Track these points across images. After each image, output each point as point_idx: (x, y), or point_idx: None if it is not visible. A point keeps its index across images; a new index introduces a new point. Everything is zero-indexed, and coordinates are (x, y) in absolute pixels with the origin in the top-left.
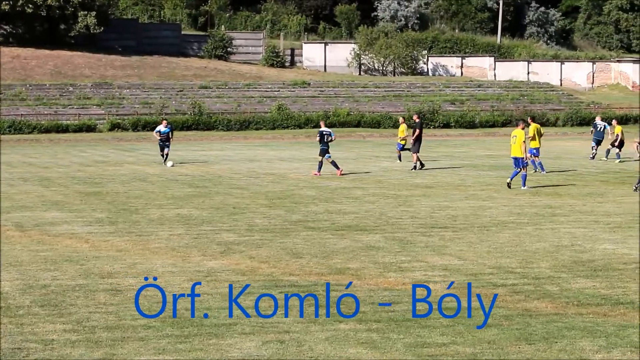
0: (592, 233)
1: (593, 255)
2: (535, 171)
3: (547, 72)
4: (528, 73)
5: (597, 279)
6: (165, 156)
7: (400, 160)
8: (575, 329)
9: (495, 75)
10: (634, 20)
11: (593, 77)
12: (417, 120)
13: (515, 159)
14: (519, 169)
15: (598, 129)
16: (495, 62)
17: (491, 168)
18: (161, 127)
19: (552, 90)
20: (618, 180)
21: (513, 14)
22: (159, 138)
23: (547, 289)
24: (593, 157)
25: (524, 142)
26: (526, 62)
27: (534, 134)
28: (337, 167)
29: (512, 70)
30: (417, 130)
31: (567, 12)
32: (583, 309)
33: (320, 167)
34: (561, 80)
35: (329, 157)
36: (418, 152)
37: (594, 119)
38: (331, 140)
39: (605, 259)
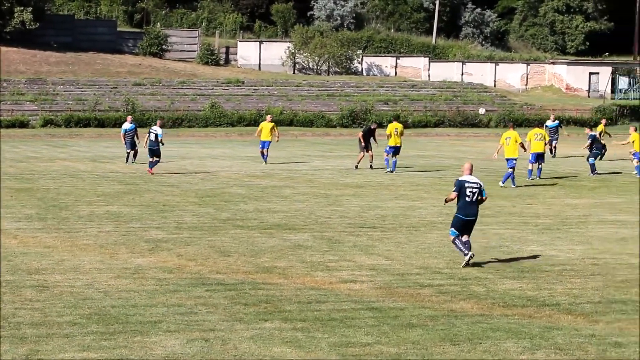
0: (520, 234)
1: (520, 256)
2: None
3: (481, 73)
4: (462, 74)
5: (524, 281)
6: (133, 155)
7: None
8: (500, 330)
9: (429, 75)
10: (569, 22)
11: (527, 78)
12: (372, 125)
13: (509, 159)
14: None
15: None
16: (429, 62)
17: (422, 168)
18: (127, 125)
19: (486, 92)
20: (548, 182)
21: (449, 14)
22: (126, 136)
23: (473, 290)
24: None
25: (519, 142)
26: (461, 63)
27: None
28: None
29: (447, 71)
30: (362, 133)
31: (503, 14)
32: (508, 310)
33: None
34: (495, 82)
35: None
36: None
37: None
38: None
39: (533, 261)
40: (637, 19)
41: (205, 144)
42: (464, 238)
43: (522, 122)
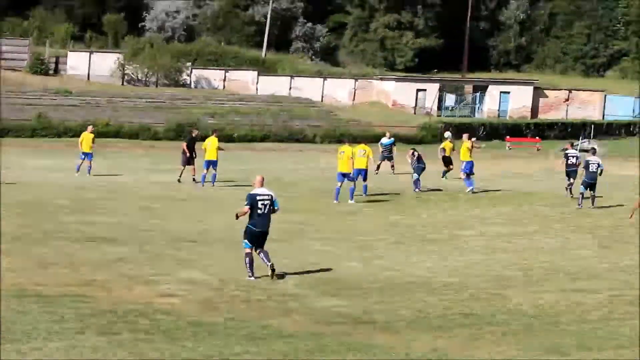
0: (340, 251)
1: (339, 273)
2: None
3: (310, 88)
4: (290, 88)
5: (342, 298)
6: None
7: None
8: (317, 347)
9: (257, 89)
10: (400, 39)
11: (354, 94)
12: (193, 133)
13: (339, 174)
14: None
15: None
16: (258, 76)
17: (246, 182)
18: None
19: (313, 106)
20: (372, 199)
21: (280, 28)
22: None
23: (290, 306)
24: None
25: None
26: (289, 77)
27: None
28: None
29: (275, 85)
30: (186, 144)
31: (334, 28)
32: (325, 328)
33: None
34: (323, 97)
35: None
36: (185, 165)
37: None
38: None
39: (351, 278)
40: (467, 37)
41: (30, 154)
42: (259, 252)
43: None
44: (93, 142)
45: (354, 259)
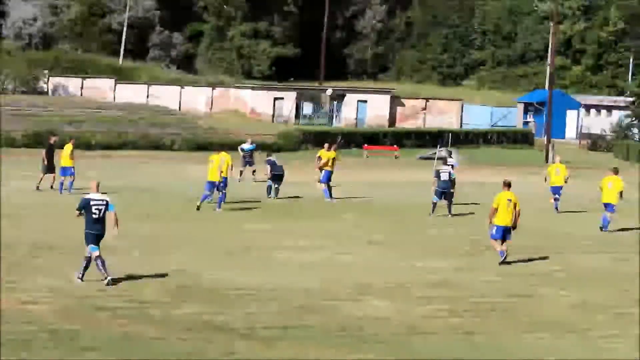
0: (201, 259)
1: (200, 280)
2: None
3: (167, 96)
4: (148, 96)
5: (203, 305)
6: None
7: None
8: (178, 354)
9: (115, 97)
10: (256, 47)
11: (212, 102)
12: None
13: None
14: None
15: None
16: (115, 84)
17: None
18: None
19: (171, 115)
20: (232, 207)
21: (138, 36)
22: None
23: (151, 313)
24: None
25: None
26: (147, 86)
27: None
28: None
29: (133, 93)
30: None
31: (191, 37)
32: (186, 334)
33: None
34: (180, 105)
35: None
36: (45, 173)
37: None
38: None
39: (212, 285)
40: (323, 45)
41: None
42: (96, 257)
43: (206, 147)
44: None
45: (214, 266)
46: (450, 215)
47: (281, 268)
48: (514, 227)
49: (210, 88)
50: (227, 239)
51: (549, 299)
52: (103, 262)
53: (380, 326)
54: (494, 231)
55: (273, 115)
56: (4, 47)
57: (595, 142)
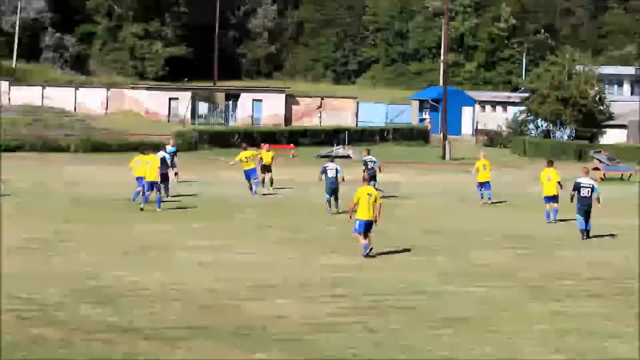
0: (102, 259)
1: (102, 281)
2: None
3: (62, 98)
4: (43, 98)
5: (105, 306)
6: None
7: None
8: (82, 356)
9: (10, 99)
10: (149, 47)
11: (107, 103)
12: None
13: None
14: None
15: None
16: (10, 86)
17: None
18: None
19: (67, 116)
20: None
21: (30, 38)
22: None
23: (53, 315)
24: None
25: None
26: (41, 87)
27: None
28: None
29: (28, 95)
30: None
31: (83, 38)
32: (90, 336)
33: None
34: (75, 106)
35: None
36: None
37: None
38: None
39: (113, 286)
40: (216, 45)
41: None
42: None
43: (102, 147)
44: None
45: (115, 267)
46: (337, 211)
47: (184, 268)
48: (376, 220)
49: (105, 89)
50: (127, 240)
51: (455, 295)
52: None
53: (284, 325)
54: (357, 225)
55: (168, 116)
56: None
57: (492, 138)
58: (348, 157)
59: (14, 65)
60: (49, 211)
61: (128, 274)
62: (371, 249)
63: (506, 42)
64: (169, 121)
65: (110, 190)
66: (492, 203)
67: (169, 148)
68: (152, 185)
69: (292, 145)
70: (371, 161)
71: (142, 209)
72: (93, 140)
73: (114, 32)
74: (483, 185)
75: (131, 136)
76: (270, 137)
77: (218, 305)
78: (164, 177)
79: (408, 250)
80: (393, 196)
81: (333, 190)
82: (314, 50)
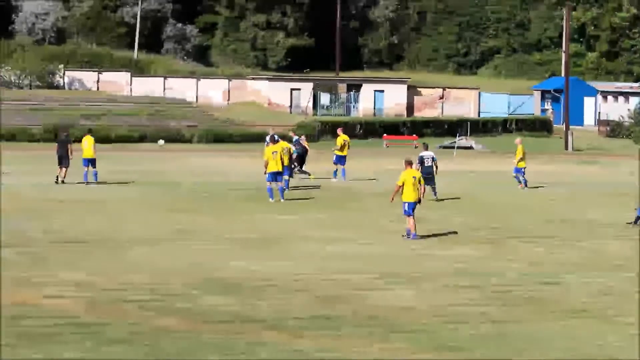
0: (223, 250)
1: (225, 272)
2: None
3: (183, 89)
4: (164, 89)
5: (229, 296)
6: None
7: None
8: (207, 346)
9: (131, 90)
10: (271, 38)
11: (229, 94)
12: (63, 135)
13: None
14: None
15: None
16: (131, 77)
17: (133, 185)
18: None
19: (188, 107)
20: (249, 197)
21: (151, 29)
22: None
23: (177, 306)
24: None
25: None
26: (163, 78)
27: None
28: None
29: (149, 86)
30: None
31: (204, 29)
32: (214, 326)
33: None
34: (197, 97)
35: None
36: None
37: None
38: None
39: (237, 277)
40: (338, 36)
41: None
42: None
43: (224, 139)
44: None
45: (237, 257)
46: (436, 199)
47: (307, 258)
48: (419, 201)
49: (227, 80)
50: (251, 230)
51: (578, 285)
52: None
53: (408, 315)
54: (406, 207)
55: (290, 106)
56: (18, 42)
57: (614, 129)
58: (470, 147)
59: (135, 56)
60: (172, 202)
61: (252, 265)
62: (410, 236)
63: (627, 32)
64: (290, 112)
65: (233, 180)
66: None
67: (295, 138)
68: (275, 175)
69: (414, 136)
70: (429, 158)
71: (280, 200)
72: (215, 131)
73: (236, 22)
74: None
75: (253, 127)
76: (392, 127)
77: (341, 296)
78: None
79: (531, 240)
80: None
81: (430, 179)
82: (435, 41)
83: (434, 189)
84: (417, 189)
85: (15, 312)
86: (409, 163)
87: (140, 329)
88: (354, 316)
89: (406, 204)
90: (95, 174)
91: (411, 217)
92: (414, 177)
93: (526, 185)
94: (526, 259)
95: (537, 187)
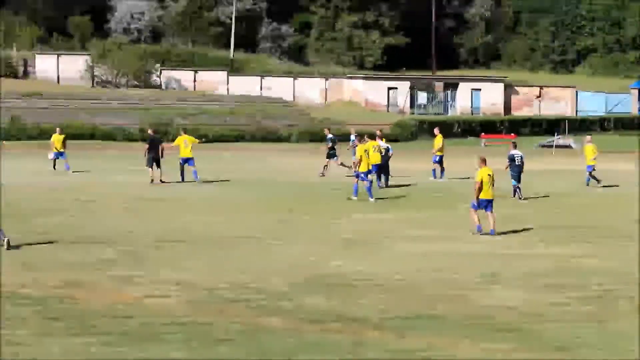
0: (325, 250)
1: (327, 271)
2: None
3: (280, 88)
4: (261, 88)
5: (331, 296)
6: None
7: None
8: (310, 345)
9: (228, 89)
10: (366, 37)
11: (326, 93)
12: (151, 134)
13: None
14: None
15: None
16: (228, 76)
17: (231, 184)
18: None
19: (286, 106)
20: (345, 196)
21: (246, 28)
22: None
23: (281, 305)
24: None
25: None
26: (259, 77)
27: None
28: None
29: (246, 85)
30: (148, 145)
31: (300, 28)
32: (317, 326)
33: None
34: (294, 96)
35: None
36: (151, 166)
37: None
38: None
39: (339, 276)
40: (433, 34)
41: (5, 157)
42: None
43: (321, 138)
44: (64, 142)
45: (339, 257)
46: (520, 198)
47: (407, 258)
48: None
49: (324, 79)
50: (349, 229)
51: None
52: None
53: (510, 315)
54: (476, 202)
55: (387, 105)
56: (114, 41)
57: None
58: (569, 146)
59: (231, 56)
60: (270, 201)
61: (352, 264)
62: (483, 232)
63: None
64: (388, 111)
65: (330, 180)
66: None
67: (330, 136)
68: (367, 174)
69: (512, 135)
70: (519, 156)
71: (372, 200)
72: (313, 130)
73: (331, 22)
74: None
75: (350, 126)
76: (490, 126)
77: (444, 295)
78: (382, 167)
79: (630, 239)
80: (608, 186)
81: (520, 178)
82: (530, 40)
83: (519, 189)
84: (492, 186)
85: (118, 311)
86: (484, 161)
87: (244, 328)
88: (457, 315)
89: (479, 200)
90: (195, 173)
91: (491, 213)
92: (489, 174)
93: (587, 184)
94: (626, 258)
95: (611, 185)
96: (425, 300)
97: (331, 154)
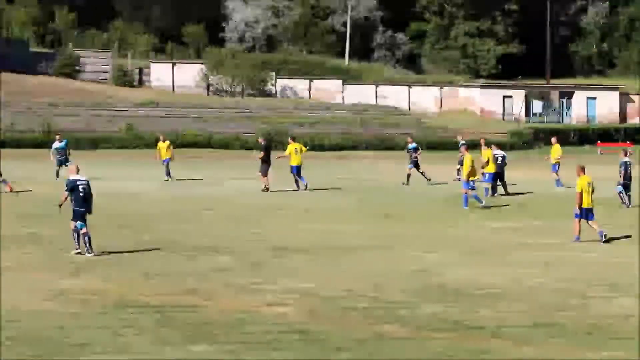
0: (443, 258)
1: (444, 280)
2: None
3: (395, 96)
4: (376, 97)
5: (449, 304)
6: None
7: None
8: (429, 353)
9: (343, 98)
10: (481, 46)
11: (441, 101)
12: (263, 143)
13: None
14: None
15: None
16: (343, 85)
17: (342, 193)
18: (56, 144)
19: (402, 114)
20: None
21: (361, 37)
22: (58, 154)
23: (398, 313)
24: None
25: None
26: (374, 86)
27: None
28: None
29: (361, 94)
30: (263, 153)
31: (414, 37)
32: (435, 334)
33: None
34: (409, 104)
35: None
36: (266, 174)
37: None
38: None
39: (457, 284)
40: (549, 42)
41: (121, 165)
42: (84, 232)
43: (437, 146)
44: (169, 148)
45: (457, 265)
46: (629, 206)
47: (525, 266)
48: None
49: (438, 87)
50: (464, 237)
51: None
52: (89, 239)
53: (630, 324)
54: (578, 211)
55: (503, 114)
56: (229, 50)
57: None
58: None
59: (346, 64)
60: (383, 208)
61: (469, 272)
62: (605, 235)
63: None
64: (503, 119)
65: (442, 188)
66: None
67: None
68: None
69: (629, 143)
70: (630, 164)
71: (485, 207)
72: (430, 139)
73: (445, 30)
74: None
75: (466, 135)
76: (605, 134)
77: (563, 303)
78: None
79: None
80: None
81: (627, 185)
82: None
83: (629, 196)
84: (591, 194)
85: (237, 319)
86: (582, 169)
87: (363, 336)
88: (576, 324)
89: (583, 210)
90: (304, 180)
91: (593, 221)
92: (588, 182)
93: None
94: None
95: None
96: (544, 308)
97: (414, 162)
